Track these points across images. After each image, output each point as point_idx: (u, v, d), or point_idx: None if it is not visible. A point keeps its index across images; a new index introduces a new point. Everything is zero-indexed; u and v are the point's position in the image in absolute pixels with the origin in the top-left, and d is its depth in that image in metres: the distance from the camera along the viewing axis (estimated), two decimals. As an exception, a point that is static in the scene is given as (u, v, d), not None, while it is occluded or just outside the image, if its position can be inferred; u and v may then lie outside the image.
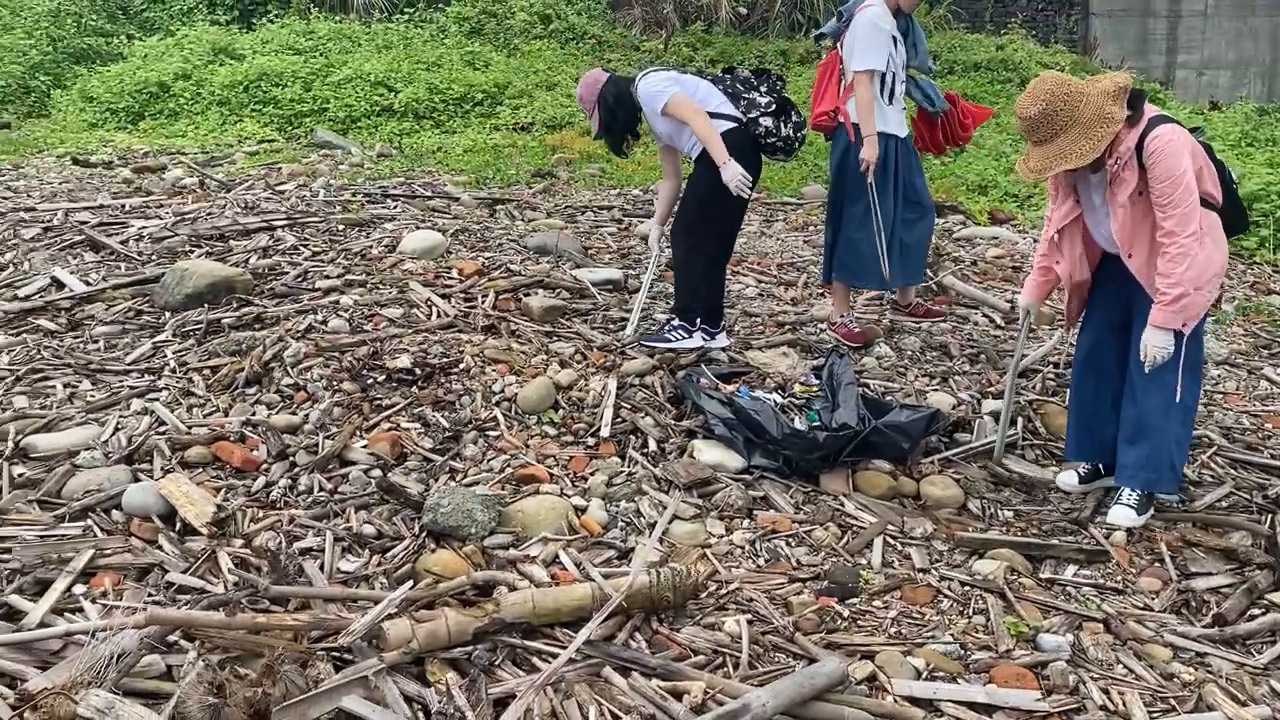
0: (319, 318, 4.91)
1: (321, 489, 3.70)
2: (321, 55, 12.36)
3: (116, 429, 3.98)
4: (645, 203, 7.90)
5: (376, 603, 2.88)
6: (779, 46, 13.90)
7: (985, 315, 5.84)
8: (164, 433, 3.95)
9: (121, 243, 6.10)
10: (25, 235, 6.27)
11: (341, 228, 6.50)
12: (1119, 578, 3.53)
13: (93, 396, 4.26)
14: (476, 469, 3.88)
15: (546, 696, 2.66)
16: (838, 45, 5.20)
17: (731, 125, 4.59)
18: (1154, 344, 3.57)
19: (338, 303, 5.11)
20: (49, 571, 3.09)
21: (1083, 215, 3.76)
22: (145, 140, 10.45)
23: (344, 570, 3.25)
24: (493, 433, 4.10)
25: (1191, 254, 3.45)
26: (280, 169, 8.77)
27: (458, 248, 6.21)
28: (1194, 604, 3.40)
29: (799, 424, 4.16)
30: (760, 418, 4.01)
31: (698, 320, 4.80)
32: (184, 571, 3.17)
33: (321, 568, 3.23)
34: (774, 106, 4.68)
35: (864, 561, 3.53)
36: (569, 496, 3.73)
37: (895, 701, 2.78)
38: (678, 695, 2.69)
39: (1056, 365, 5.11)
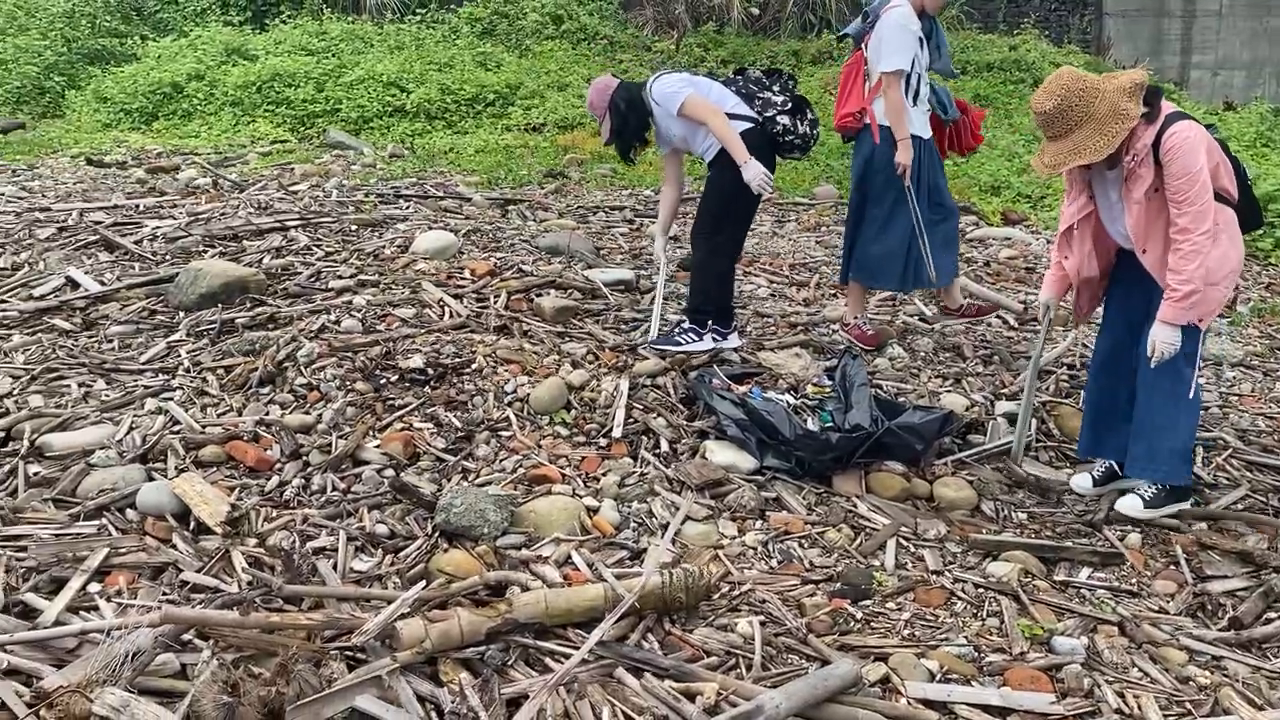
0: (332, 318, 4.93)
1: (335, 488, 3.71)
2: (334, 56, 12.38)
3: (131, 428, 3.99)
4: (657, 203, 7.88)
5: (389, 602, 2.88)
6: (791, 47, 13.87)
7: (999, 316, 5.81)
8: (178, 432, 3.96)
9: (136, 243, 6.12)
10: (40, 235, 6.31)
11: (354, 228, 6.52)
12: (1134, 580, 3.51)
13: (107, 396, 4.28)
14: (489, 469, 3.89)
15: (559, 697, 2.66)
16: (861, 46, 5.16)
17: (749, 125, 4.59)
18: (1162, 339, 3.57)
19: (351, 303, 5.13)
20: (64, 570, 3.10)
21: (1097, 212, 3.77)
22: (159, 141, 10.49)
23: (357, 570, 3.26)
24: (505, 433, 4.10)
25: (1204, 251, 3.45)
26: (293, 169, 8.80)
27: (470, 248, 6.22)
28: (1210, 607, 3.38)
29: (811, 425, 4.15)
30: (773, 419, 4.00)
31: (708, 322, 4.80)
32: (198, 570, 3.18)
33: (335, 567, 3.24)
34: (790, 105, 4.68)
35: (877, 563, 3.52)
36: (581, 497, 3.73)
37: (909, 704, 2.77)
38: (691, 696, 2.69)
39: (1071, 367, 5.09)
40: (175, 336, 4.83)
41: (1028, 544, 3.65)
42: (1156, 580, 3.51)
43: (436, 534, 3.44)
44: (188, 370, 4.48)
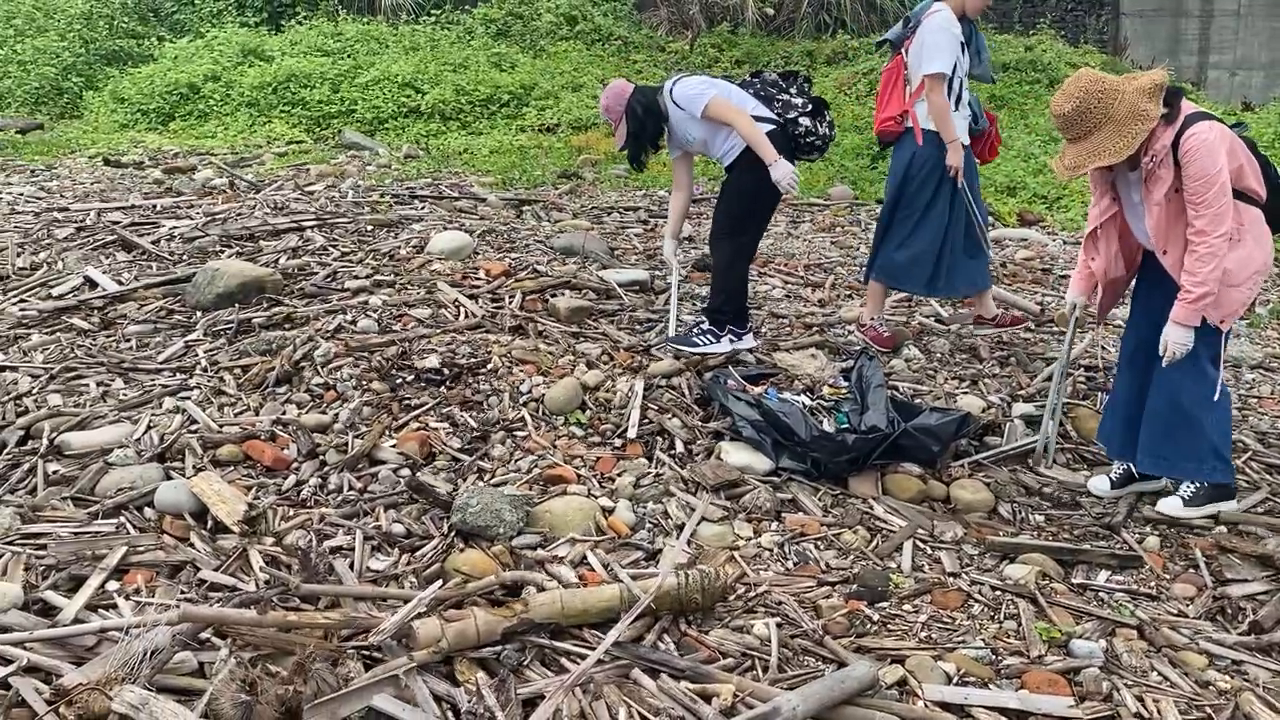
0: (348, 318, 4.94)
1: (351, 488, 3.72)
2: (349, 57, 12.44)
3: (149, 427, 4.01)
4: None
5: (406, 602, 2.89)
6: (805, 47, 13.85)
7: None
8: (195, 431, 3.98)
9: (153, 243, 6.16)
10: (59, 235, 6.35)
11: (370, 228, 6.54)
12: (1152, 583, 3.48)
13: (125, 395, 4.30)
14: (504, 469, 3.89)
15: (575, 697, 2.66)
16: (902, 51, 5.13)
17: (771, 127, 4.59)
18: (1174, 339, 3.55)
19: (366, 303, 5.14)
20: (83, 568, 3.12)
21: (1121, 212, 3.75)
22: (175, 141, 10.56)
23: (373, 569, 3.27)
24: (520, 433, 4.11)
25: (1219, 254, 3.43)
26: (309, 170, 8.84)
27: (485, 248, 6.23)
28: (1229, 611, 3.34)
29: (827, 426, 4.14)
30: (788, 420, 3.99)
31: (725, 323, 4.79)
32: (215, 569, 3.19)
33: (351, 566, 3.25)
34: (810, 106, 4.68)
35: (893, 565, 3.51)
36: (596, 497, 3.73)
37: (926, 706, 2.76)
38: (707, 698, 2.69)
39: (1088, 369, 5.06)
40: (192, 336, 4.85)
41: (1045, 546, 3.63)
42: (1176, 583, 3.48)
43: (452, 534, 3.44)
44: (205, 370, 4.50)
